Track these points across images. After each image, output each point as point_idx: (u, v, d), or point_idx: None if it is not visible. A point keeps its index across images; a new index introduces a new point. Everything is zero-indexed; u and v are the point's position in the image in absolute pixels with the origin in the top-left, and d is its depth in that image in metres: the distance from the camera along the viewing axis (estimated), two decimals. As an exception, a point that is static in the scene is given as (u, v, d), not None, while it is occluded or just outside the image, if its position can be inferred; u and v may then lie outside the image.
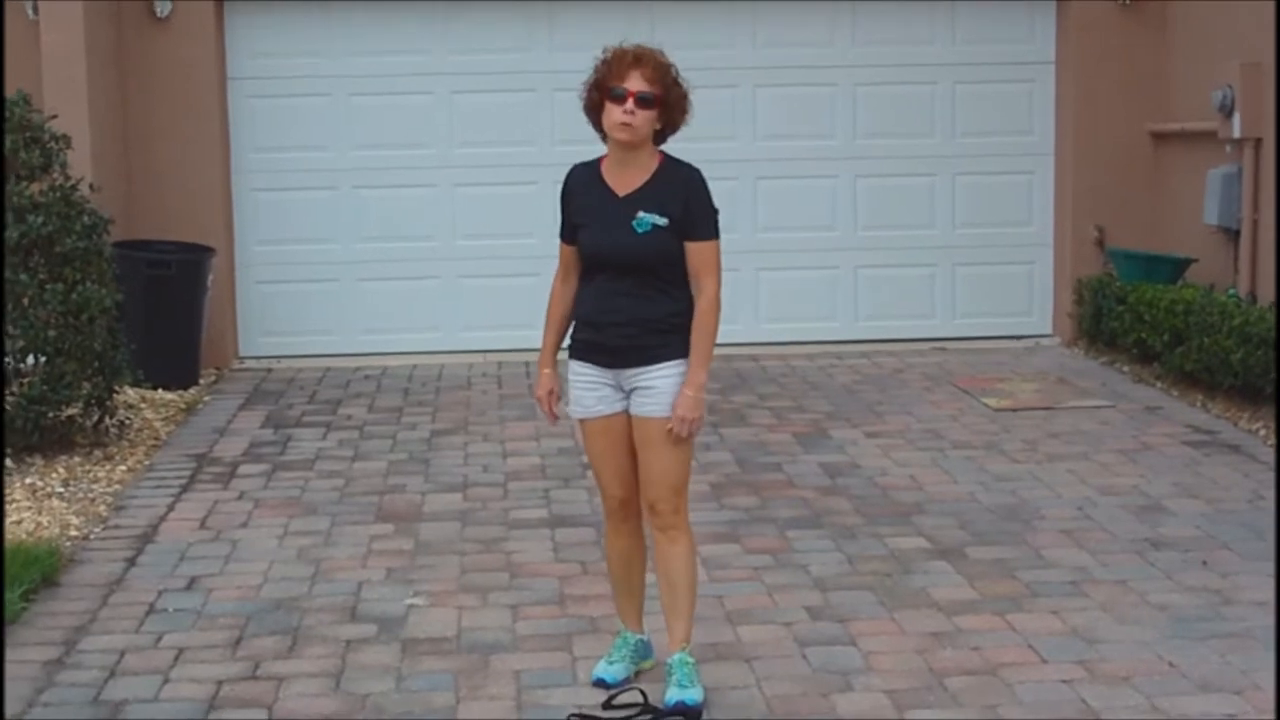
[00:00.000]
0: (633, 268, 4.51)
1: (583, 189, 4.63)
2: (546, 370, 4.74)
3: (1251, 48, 8.94)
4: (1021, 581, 5.65)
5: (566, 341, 4.75)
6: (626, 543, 4.76)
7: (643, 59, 4.48)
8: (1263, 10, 8.85)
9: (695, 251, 4.52)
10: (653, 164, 4.56)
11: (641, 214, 4.49)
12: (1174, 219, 10.04)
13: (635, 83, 4.44)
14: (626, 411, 4.60)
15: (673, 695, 4.54)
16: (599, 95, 4.51)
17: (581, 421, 4.69)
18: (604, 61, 4.52)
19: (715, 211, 4.58)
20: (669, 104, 4.50)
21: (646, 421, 4.54)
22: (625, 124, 4.44)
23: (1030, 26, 10.45)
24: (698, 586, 4.75)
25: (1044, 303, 10.63)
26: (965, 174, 10.52)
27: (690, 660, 4.62)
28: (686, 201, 4.51)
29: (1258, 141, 8.89)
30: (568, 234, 4.68)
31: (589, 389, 4.62)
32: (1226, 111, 9.01)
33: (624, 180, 4.55)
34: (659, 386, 4.52)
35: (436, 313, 10.37)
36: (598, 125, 4.57)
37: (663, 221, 4.49)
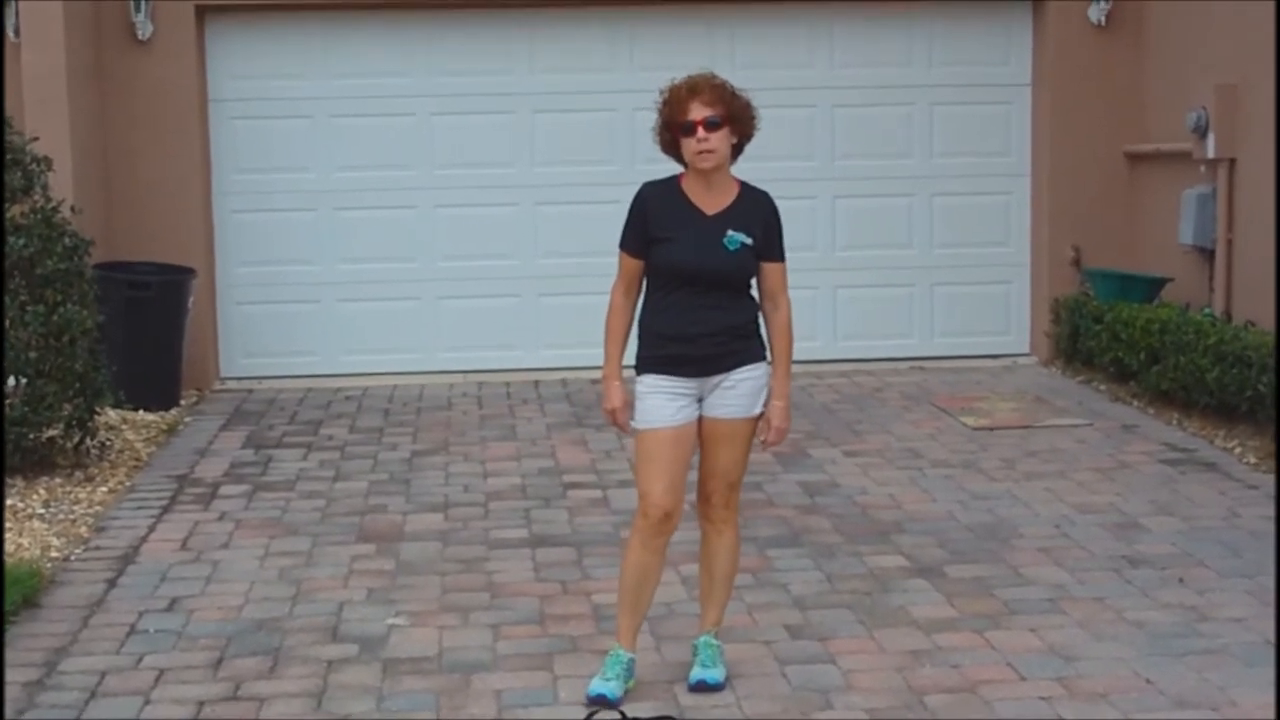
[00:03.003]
0: (721, 281, 4.73)
1: (663, 205, 4.77)
2: (616, 382, 4.82)
3: (1226, 69, 9.02)
4: (1000, 599, 5.68)
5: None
6: (651, 560, 4.78)
7: (697, 87, 4.71)
8: (1238, 32, 8.94)
9: (772, 271, 4.80)
10: (734, 187, 4.80)
11: (731, 232, 4.71)
12: (1150, 239, 10.11)
13: (698, 111, 4.67)
14: (697, 418, 4.77)
15: (696, 674, 4.83)
16: (671, 134, 4.74)
17: (652, 431, 4.73)
18: (665, 102, 4.75)
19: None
20: (735, 117, 4.72)
21: (722, 421, 4.77)
22: (704, 151, 4.67)
23: (1006, 48, 10.53)
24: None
25: (1021, 322, 10.69)
26: (943, 195, 10.58)
27: (715, 643, 4.90)
28: (767, 225, 4.77)
29: (1231, 162, 8.97)
30: (637, 247, 4.79)
31: (671, 399, 4.73)
32: (1201, 132, 9.09)
33: (711, 200, 4.75)
34: (740, 389, 4.76)
35: (417, 333, 10.37)
36: (680, 161, 4.79)
37: (749, 240, 4.72)
